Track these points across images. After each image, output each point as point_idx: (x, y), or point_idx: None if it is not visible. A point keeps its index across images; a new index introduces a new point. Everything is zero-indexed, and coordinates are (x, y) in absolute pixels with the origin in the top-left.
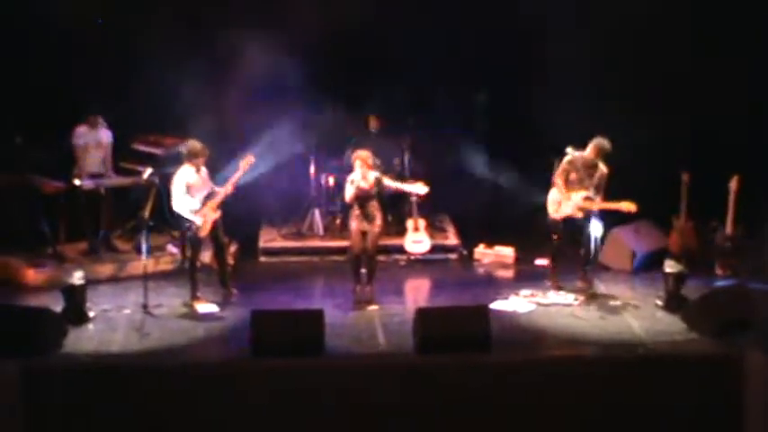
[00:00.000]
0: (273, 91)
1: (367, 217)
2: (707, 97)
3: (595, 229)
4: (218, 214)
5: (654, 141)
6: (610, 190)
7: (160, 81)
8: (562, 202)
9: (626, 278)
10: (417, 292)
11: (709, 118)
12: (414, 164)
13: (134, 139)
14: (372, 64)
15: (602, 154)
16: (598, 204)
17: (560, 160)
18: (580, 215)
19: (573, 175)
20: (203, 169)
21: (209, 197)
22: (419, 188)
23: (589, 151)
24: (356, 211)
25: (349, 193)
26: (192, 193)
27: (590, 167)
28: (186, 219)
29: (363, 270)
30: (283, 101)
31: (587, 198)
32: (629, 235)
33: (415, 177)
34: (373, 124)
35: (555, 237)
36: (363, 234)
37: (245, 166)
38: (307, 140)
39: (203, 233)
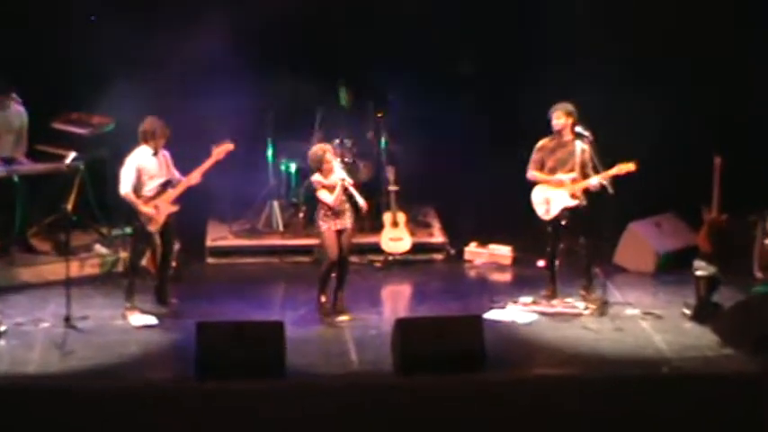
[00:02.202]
0: (224, 61)
1: (336, 212)
2: (743, 70)
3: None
4: (174, 208)
5: (681, 120)
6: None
7: (87, 50)
8: (550, 198)
9: (646, 282)
10: (397, 300)
11: (746, 93)
12: (392, 145)
13: (55, 117)
14: (344, 28)
15: (573, 118)
16: (595, 179)
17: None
18: (576, 201)
19: (550, 163)
20: (164, 152)
21: (166, 186)
22: (362, 203)
23: (557, 125)
24: (324, 208)
25: (330, 198)
26: (144, 180)
27: (566, 146)
28: (134, 209)
29: (333, 274)
30: (236, 72)
31: (575, 180)
32: (649, 230)
33: (392, 161)
34: (345, 98)
35: (555, 240)
36: (338, 234)
37: (219, 154)
38: (263, 118)
39: (153, 227)
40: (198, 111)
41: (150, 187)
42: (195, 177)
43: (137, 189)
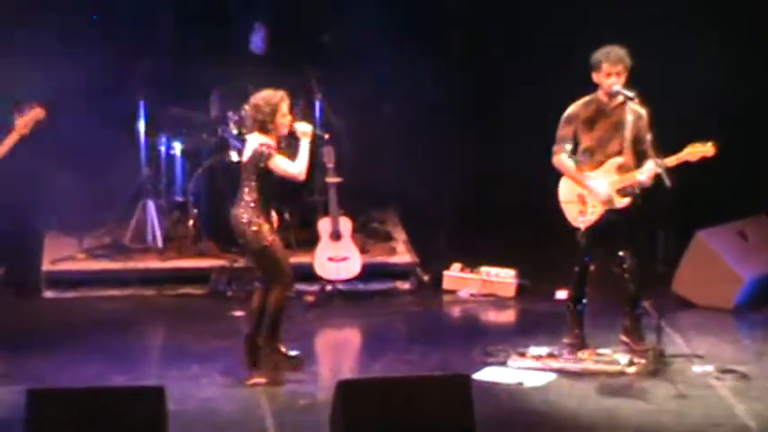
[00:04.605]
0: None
1: (269, 210)
2: None
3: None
4: None
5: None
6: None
7: None
8: (587, 194)
9: (724, 323)
10: (339, 353)
11: None
12: (330, 115)
13: None
14: None
15: (627, 71)
16: (644, 173)
17: None
18: (623, 203)
19: (588, 141)
20: None
21: None
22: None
23: (611, 84)
24: (253, 202)
25: (298, 167)
26: None
27: (611, 115)
28: None
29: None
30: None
31: (623, 167)
32: (728, 243)
33: (331, 139)
34: (259, 44)
35: (587, 259)
36: None
37: (25, 126)
38: (132, 72)
39: None
40: (26, 57)
41: None
42: None
43: None
